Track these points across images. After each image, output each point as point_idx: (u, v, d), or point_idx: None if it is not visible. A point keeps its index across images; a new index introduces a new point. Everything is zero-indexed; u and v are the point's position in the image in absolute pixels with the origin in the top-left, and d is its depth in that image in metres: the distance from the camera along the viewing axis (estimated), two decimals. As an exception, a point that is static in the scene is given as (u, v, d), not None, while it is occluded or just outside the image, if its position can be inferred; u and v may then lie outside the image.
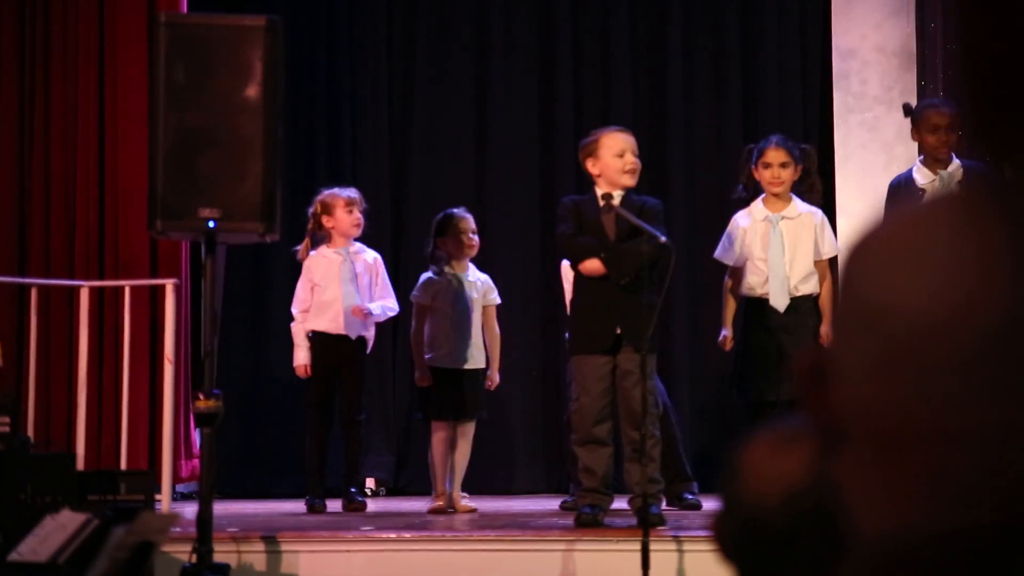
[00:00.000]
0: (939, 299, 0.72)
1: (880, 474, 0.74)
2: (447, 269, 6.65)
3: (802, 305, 5.98)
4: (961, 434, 0.71)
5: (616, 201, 5.57)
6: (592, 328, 5.56)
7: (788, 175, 6.05)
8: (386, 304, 6.89)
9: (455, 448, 6.59)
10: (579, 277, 5.71)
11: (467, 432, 6.60)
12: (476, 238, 6.66)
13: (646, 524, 4.86)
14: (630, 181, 5.61)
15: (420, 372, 6.59)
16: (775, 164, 6.04)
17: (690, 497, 6.37)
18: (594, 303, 5.57)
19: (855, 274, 0.77)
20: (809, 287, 6.02)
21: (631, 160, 5.61)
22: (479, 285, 6.70)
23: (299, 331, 6.77)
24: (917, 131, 5.98)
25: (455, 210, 6.73)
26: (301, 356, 6.73)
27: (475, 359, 6.62)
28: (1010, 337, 0.71)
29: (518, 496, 7.23)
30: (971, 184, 0.76)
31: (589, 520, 5.41)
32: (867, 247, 0.77)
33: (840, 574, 0.78)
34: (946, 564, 0.71)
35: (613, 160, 5.60)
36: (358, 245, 6.90)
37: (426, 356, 6.61)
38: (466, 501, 6.58)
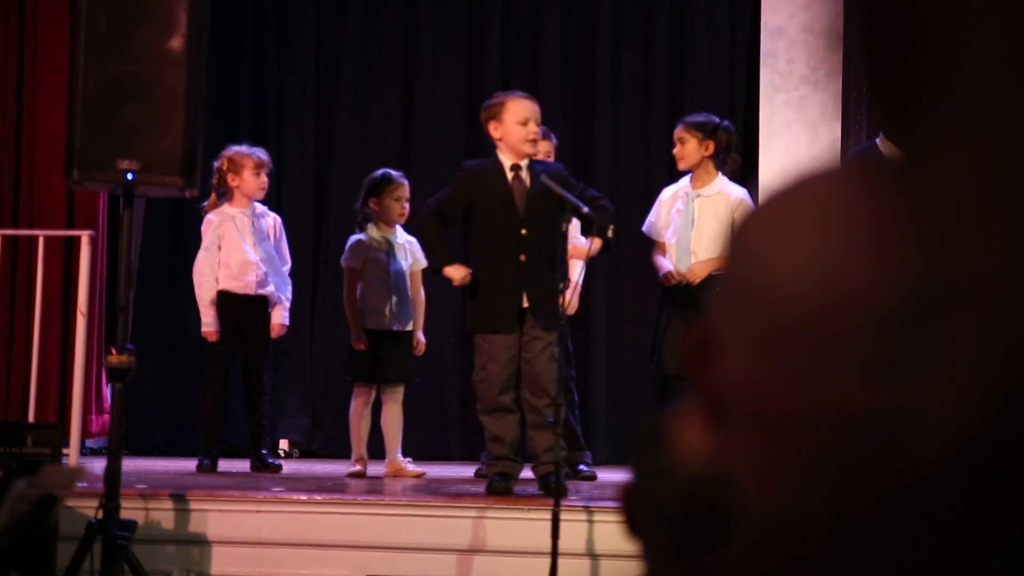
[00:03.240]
0: (816, 282, 0.72)
1: (758, 453, 0.74)
2: (375, 232, 6.59)
3: (715, 281, 6.02)
4: (836, 417, 0.71)
5: (524, 172, 5.52)
6: (498, 308, 5.49)
7: (688, 151, 6.12)
8: (287, 291, 6.82)
9: (382, 412, 6.55)
10: (481, 252, 5.64)
11: (396, 396, 6.55)
12: (408, 207, 6.61)
13: (557, 494, 4.87)
14: (531, 150, 5.54)
15: (356, 335, 6.52)
16: (676, 141, 6.16)
17: (584, 468, 6.40)
18: (499, 282, 5.49)
19: (736, 251, 0.76)
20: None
21: (534, 129, 5.54)
22: (407, 247, 6.66)
23: (207, 294, 6.66)
24: None
25: (393, 173, 6.65)
26: (211, 322, 6.64)
27: (406, 322, 6.58)
28: (887, 320, 0.70)
29: (430, 462, 7.22)
30: (858, 161, 0.76)
31: (501, 488, 5.41)
32: (753, 222, 0.76)
33: (729, 552, 0.77)
34: (822, 547, 0.70)
35: (516, 128, 5.52)
36: (260, 207, 6.84)
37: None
38: (411, 466, 6.56)
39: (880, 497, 0.69)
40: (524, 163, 5.53)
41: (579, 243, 6.10)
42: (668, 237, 6.15)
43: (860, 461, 0.70)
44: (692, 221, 6.11)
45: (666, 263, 6.13)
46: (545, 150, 6.42)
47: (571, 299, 6.40)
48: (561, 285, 5.89)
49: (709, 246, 6.06)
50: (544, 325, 5.37)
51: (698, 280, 6.00)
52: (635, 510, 1.20)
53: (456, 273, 5.57)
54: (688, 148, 6.11)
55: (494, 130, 5.56)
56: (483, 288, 5.54)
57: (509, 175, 5.52)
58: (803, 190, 0.75)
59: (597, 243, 5.61)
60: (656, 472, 1.13)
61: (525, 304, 5.45)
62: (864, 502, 0.69)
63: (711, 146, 6.11)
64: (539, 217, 5.46)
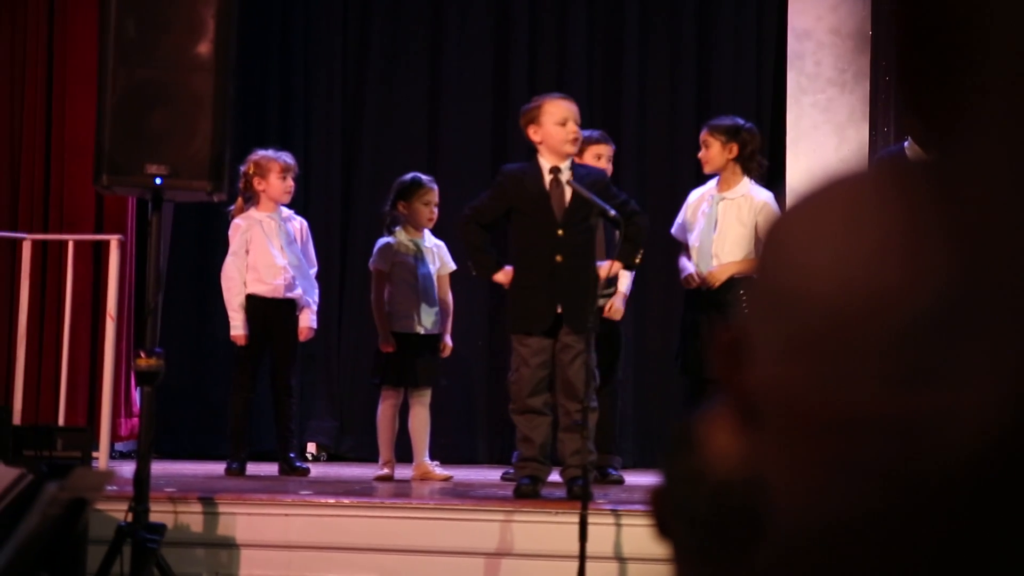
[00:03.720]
0: (847, 285, 0.71)
1: (790, 456, 0.74)
2: (403, 235, 6.60)
3: (738, 284, 6.01)
4: (870, 421, 0.70)
5: (565, 175, 5.51)
6: (533, 310, 5.50)
7: (711, 155, 6.12)
8: (314, 294, 6.84)
9: (410, 416, 6.55)
10: (519, 254, 5.66)
11: (423, 399, 6.56)
12: (437, 211, 6.62)
13: (585, 497, 4.87)
14: (572, 149, 5.54)
15: (384, 338, 6.53)
16: (701, 145, 6.15)
17: (613, 472, 6.40)
18: (535, 284, 5.50)
19: (770, 254, 0.76)
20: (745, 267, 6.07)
21: (573, 129, 5.53)
22: (435, 251, 6.67)
23: (236, 299, 6.69)
24: None
25: (423, 177, 6.66)
26: (239, 325, 6.67)
27: (434, 325, 6.59)
28: (917, 325, 0.70)
29: (457, 465, 7.23)
30: (888, 163, 0.76)
31: (528, 491, 5.41)
32: (786, 224, 0.76)
33: (759, 555, 0.77)
34: (850, 550, 0.70)
35: (555, 128, 5.52)
36: (287, 211, 6.86)
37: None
38: (438, 469, 6.56)
39: (907, 501, 0.69)
40: (565, 165, 5.52)
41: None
42: (691, 240, 6.15)
43: (891, 465, 0.70)
44: (715, 224, 6.10)
45: (689, 266, 6.13)
46: (605, 153, 6.44)
47: (619, 307, 6.45)
48: (612, 290, 5.92)
49: (731, 249, 6.05)
50: (575, 329, 5.37)
51: (718, 283, 5.99)
52: (664, 513, 1.20)
53: (505, 278, 5.60)
54: (712, 151, 6.11)
55: (534, 134, 5.57)
56: (519, 290, 5.56)
57: (547, 178, 5.52)
58: (834, 193, 0.75)
59: (615, 266, 5.63)
60: (686, 475, 1.13)
61: (559, 311, 5.46)
62: (891, 506, 0.69)
63: (735, 148, 6.11)
64: (576, 221, 5.45)
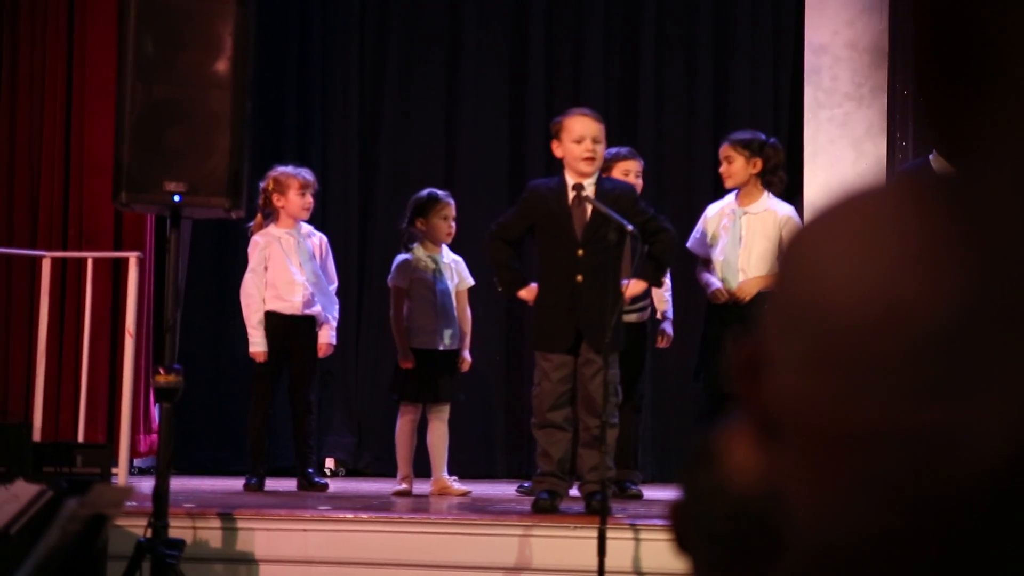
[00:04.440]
0: (872, 297, 0.71)
1: (809, 471, 0.74)
2: (421, 251, 6.61)
3: (762, 298, 6.01)
4: (887, 434, 0.70)
5: (589, 191, 5.50)
6: (554, 328, 5.51)
7: (735, 169, 6.11)
8: (333, 310, 6.85)
9: (428, 431, 6.56)
10: (542, 268, 5.66)
11: (442, 414, 6.56)
12: (455, 225, 6.63)
13: (604, 512, 4.87)
14: (586, 168, 5.50)
15: (403, 354, 6.53)
16: (722, 159, 6.14)
17: (632, 487, 6.40)
18: (556, 302, 5.51)
19: (790, 265, 0.76)
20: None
21: (589, 147, 5.51)
22: (453, 266, 6.68)
23: (255, 315, 6.70)
24: None
25: (439, 192, 6.66)
26: (259, 342, 6.68)
27: (453, 340, 6.59)
28: (936, 338, 0.70)
29: (476, 480, 7.23)
30: (908, 177, 0.76)
31: (546, 506, 5.41)
32: (805, 237, 0.76)
33: (778, 570, 0.77)
34: (871, 566, 0.70)
35: (572, 146, 5.52)
36: (307, 227, 6.87)
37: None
38: (457, 484, 6.56)
39: (928, 515, 0.69)
40: (588, 182, 5.50)
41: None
42: (715, 254, 6.13)
43: (908, 479, 0.70)
44: (740, 239, 6.09)
45: (714, 280, 6.11)
46: (633, 169, 6.44)
47: (669, 332, 6.50)
48: (640, 304, 5.91)
49: (758, 264, 6.04)
50: (595, 348, 5.36)
51: (748, 298, 5.98)
52: (684, 528, 1.20)
53: (529, 295, 5.62)
54: (736, 166, 6.10)
55: (556, 149, 5.59)
56: (542, 307, 5.58)
57: (570, 195, 5.51)
58: (853, 206, 0.75)
59: (637, 286, 5.65)
60: (705, 490, 1.13)
61: (580, 326, 5.46)
62: (912, 520, 0.69)
63: (759, 163, 6.11)
64: (597, 239, 5.43)
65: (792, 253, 0.76)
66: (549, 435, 5.49)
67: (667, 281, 6.47)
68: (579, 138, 5.51)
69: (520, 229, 5.60)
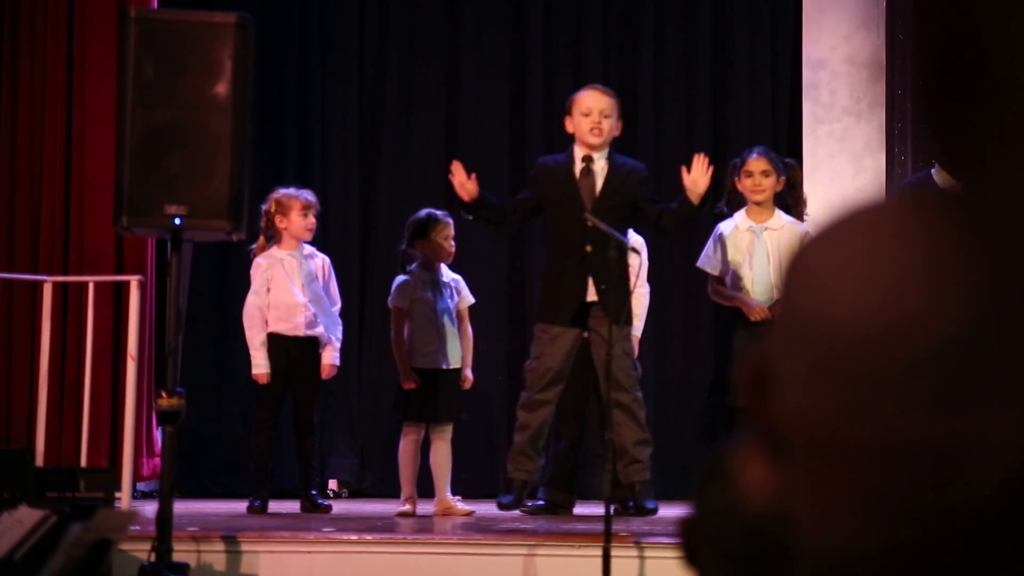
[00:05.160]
0: (875, 311, 0.71)
1: (816, 487, 0.74)
2: (421, 271, 6.61)
3: None
4: (894, 449, 0.70)
5: (598, 164, 5.53)
6: (561, 297, 5.48)
7: (769, 184, 6.09)
8: (336, 331, 6.84)
9: (431, 451, 6.55)
10: (549, 239, 5.68)
11: (444, 434, 6.55)
12: (454, 244, 6.63)
13: (643, 511, 4.85)
14: (592, 140, 5.58)
15: (405, 375, 6.52)
16: (756, 172, 6.09)
17: (650, 505, 6.36)
18: (564, 271, 5.49)
19: (794, 281, 0.76)
20: None
21: (595, 120, 5.57)
22: (453, 285, 6.68)
23: (257, 337, 6.70)
24: None
25: (437, 213, 6.66)
26: (262, 363, 6.67)
27: (454, 359, 6.59)
28: (944, 351, 0.70)
29: (479, 500, 7.21)
30: (913, 191, 0.76)
31: (510, 505, 5.39)
32: (808, 253, 0.76)
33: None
34: None
35: (580, 119, 5.59)
36: (309, 248, 6.88)
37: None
38: (460, 504, 6.55)
39: (940, 528, 0.69)
40: (597, 155, 5.55)
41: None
42: (743, 272, 6.09)
43: (919, 493, 0.70)
44: (767, 256, 6.07)
45: (749, 298, 6.04)
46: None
47: (634, 347, 6.45)
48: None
49: None
50: (613, 319, 5.29)
51: None
52: (694, 544, 1.20)
53: (467, 188, 5.60)
54: (770, 181, 6.08)
55: (568, 125, 5.67)
56: (549, 279, 5.59)
57: (579, 167, 5.55)
58: (858, 221, 0.75)
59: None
60: (718, 507, 1.13)
61: (591, 297, 5.43)
62: (924, 534, 0.69)
63: (783, 182, 6.14)
64: (608, 209, 5.46)
65: (797, 269, 0.76)
66: (534, 412, 5.46)
67: (644, 299, 6.44)
68: (587, 111, 5.59)
69: (529, 202, 5.66)
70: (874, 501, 0.71)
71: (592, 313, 5.41)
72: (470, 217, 5.88)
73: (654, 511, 5.24)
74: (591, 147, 5.53)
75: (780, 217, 6.12)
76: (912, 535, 0.70)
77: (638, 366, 5.49)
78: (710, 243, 6.23)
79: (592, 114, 5.55)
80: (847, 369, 0.72)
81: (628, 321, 5.31)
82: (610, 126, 5.60)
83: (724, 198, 6.26)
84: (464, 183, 5.50)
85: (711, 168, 5.66)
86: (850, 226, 0.75)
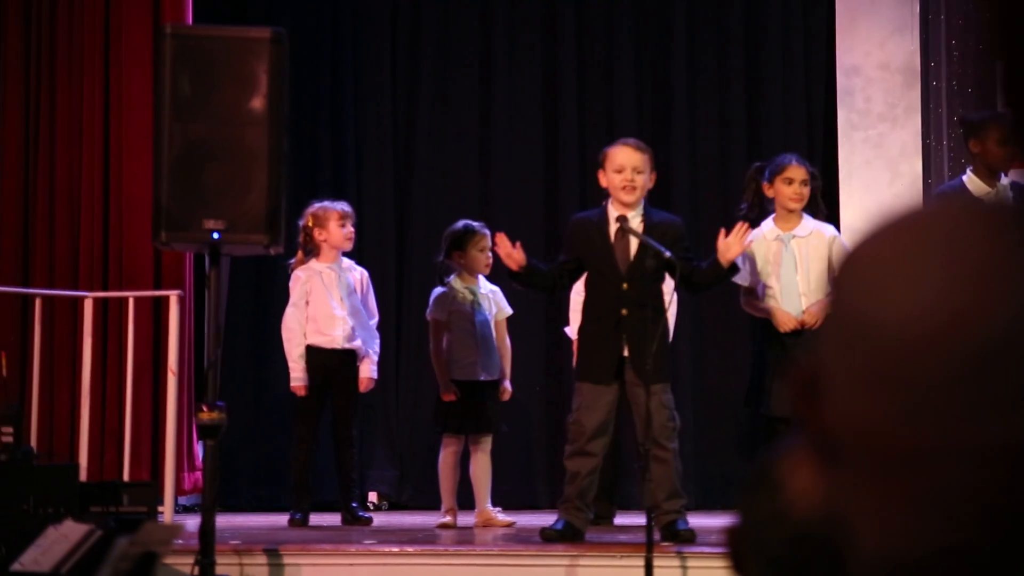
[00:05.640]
0: (929, 312, 0.71)
1: (872, 491, 0.73)
2: (458, 283, 6.62)
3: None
4: (952, 451, 0.70)
5: (635, 223, 5.48)
6: (596, 359, 5.47)
7: (807, 193, 6.05)
8: (374, 344, 6.85)
9: (471, 462, 6.55)
10: (586, 300, 5.64)
11: (484, 445, 6.56)
12: (491, 256, 6.63)
13: (692, 538, 4.86)
14: (625, 198, 5.51)
15: (444, 387, 6.53)
16: (797, 180, 6.02)
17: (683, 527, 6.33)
18: (601, 334, 5.47)
19: (845, 284, 0.76)
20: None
21: (627, 177, 5.52)
22: (491, 297, 6.69)
23: (296, 349, 6.73)
24: (980, 141, 5.94)
25: (474, 224, 6.67)
26: (300, 376, 6.70)
27: (493, 371, 6.59)
28: (1002, 352, 0.70)
29: (519, 511, 7.21)
30: (961, 197, 0.76)
31: (552, 535, 5.36)
32: (859, 256, 0.76)
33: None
34: None
35: (613, 176, 5.53)
36: (348, 261, 6.90)
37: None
38: (501, 515, 6.55)
39: (1000, 531, 0.69)
40: (633, 214, 5.50)
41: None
42: (771, 281, 6.06)
43: (980, 496, 0.69)
44: (795, 264, 6.03)
45: (776, 309, 5.99)
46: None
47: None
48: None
49: (816, 287, 5.99)
50: (645, 380, 5.28)
51: (818, 324, 5.88)
52: (742, 552, 1.20)
53: (513, 256, 5.48)
54: (807, 190, 6.05)
55: (602, 179, 5.59)
56: (586, 339, 5.55)
57: (613, 227, 5.51)
58: (908, 224, 0.75)
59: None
60: (764, 514, 1.13)
61: (625, 354, 5.42)
62: (983, 537, 0.69)
63: (811, 189, 6.12)
64: (643, 273, 5.42)
65: (848, 272, 0.76)
66: (581, 462, 5.45)
67: (672, 308, 6.39)
68: (619, 167, 5.52)
69: (570, 264, 5.60)
70: (934, 505, 0.71)
71: (627, 369, 5.41)
72: (520, 288, 5.87)
73: (688, 534, 5.23)
74: (624, 205, 5.51)
75: (807, 223, 6.08)
76: (971, 538, 0.70)
77: (676, 417, 5.47)
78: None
79: (625, 171, 5.51)
80: (905, 372, 0.71)
81: (665, 378, 5.32)
82: (643, 182, 5.58)
83: (747, 201, 6.16)
84: (511, 253, 5.47)
85: (750, 239, 5.63)
86: (900, 230, 0.75)
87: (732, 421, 7.34)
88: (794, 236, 6.05)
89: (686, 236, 5.64)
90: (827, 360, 0.77)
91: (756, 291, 6.07)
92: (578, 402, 5.50)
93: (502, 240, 5.51)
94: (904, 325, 0.72)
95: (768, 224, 6.12)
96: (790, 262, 6.02)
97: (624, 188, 5.50)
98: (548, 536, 5.38)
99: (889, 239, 0.76)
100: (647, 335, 5.24)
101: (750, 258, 6.10)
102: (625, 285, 5.44)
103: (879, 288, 0.73)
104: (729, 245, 5.42)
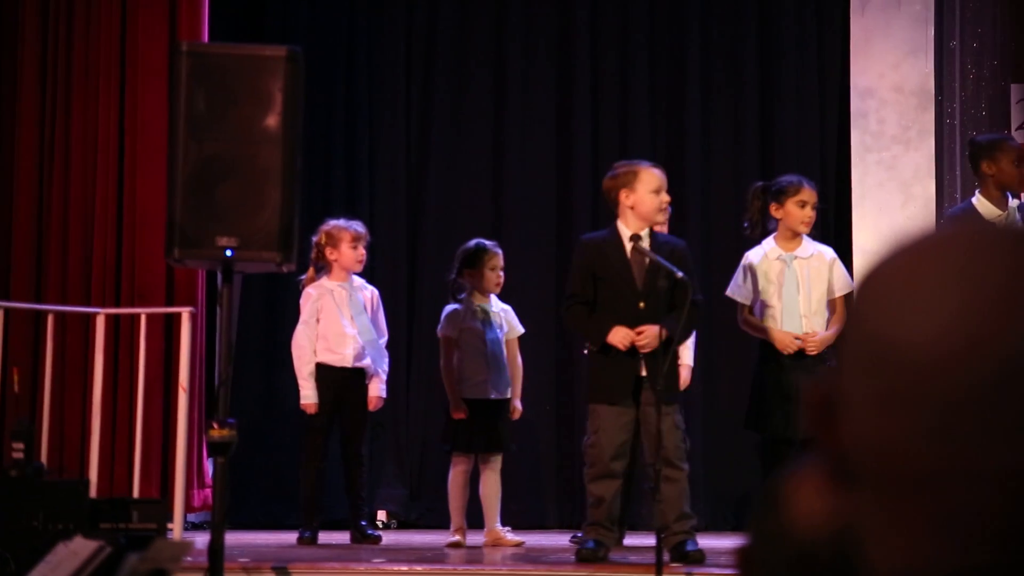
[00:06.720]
0: (946, 333, 0.71)
1: (888, 512, 0.73)
2: (470, 301, 6.62)
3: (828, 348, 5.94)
4: (968, 473, 0.70)
5: (645, 242, 5.48)
6: (615, 379, 5.45)
7: (814, 216, 6.07)
8: (383, 363, 6.85)
9: (481, 482, 6.55)
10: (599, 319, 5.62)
11: (494, 465, 6.55)
12: (503, 275, 6.63)
13: (702, 559, 4.84)
14: (662, 219, 5.58)
15: (455, 405, 6.53)
16: (810, 204, 6.03)
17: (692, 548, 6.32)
18: (617, 353, 5.44)
19: (862, 306, 0.76)
20: (823, 325, 6.00)
21: (666, 199, 5.57)
22: (503, 315, 6.69)
23: (306, 367, 6.73)
24: (995, 162, 5.93)
25: (487, 243, 6.67)
26: (310, 394, 6.70)
27: (504, 390, 6.59)
28: (1019, 374, 0.70)
29: (528, 531, 7.20)
30: (975, 220, 0.76)
31: (589, 556, 5.35)
32: (876, 278, 0.76)
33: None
34: None
35: (649, 196, 5.50)
36: (359, 280, 6.91)
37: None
38: (510, 535, 6.54)
39: (1012, 555, 0.68)
40: (644, 232, 5.50)
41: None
42: (771, 302, 6.05)
43: (998, 518, 0.69)
44: (798, 284, 6.03)
45: (775, 330, 5.98)
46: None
47: (686, 377, 6.33)
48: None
49: (817, 308, 5.99)
50: (661, 399, 5.27)
51: (818, 349, 5.88)
52: (749, 572, 1.19)
53: (616, 337, 5.43)
54: (815, 213, 6.08)
55: (625, 198, 5.52)
56: (601, 359, 5.50)
57: (628, 246, 5.50)
58: (927, 246, 0.75)
59: (662, 333, 5.43)
60: (774, 534, 1.13)
61: (643, 373, 5.40)
62: (1004, 558, 0.69)
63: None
64: (658, 290, 5.42)
65: (866, 293, 0.76)
66: (606, 485, 5.44)
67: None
68: (657, 189, 5.52)
69: (589, 286, 5.56)
70: (949, 526, 0.70)
71: (644, 389, 5.39)
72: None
73: (698, 555, 5.21)
74: (653, 224, 5.53)
75: (808, 245, 6.08)
76: (987, 561, 0.69)
77: (687, 439, 5.46)
78: (739, 272, 6.17)
79: (662, 192, 5.53)
80: (921, 393, 0.71)
81: (677, 398, 5.32)
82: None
83: (749, 220, 6.15)
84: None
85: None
86: (919, 251, 0.75)
87: (742, 442, 7.32)
88: (796, 257, 6.05)
89: (690, 259, 5.64)
90: (843, 381, 0.76)
91: (754, 310, 6.07)
92: (596, 424, 5.47)
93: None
94: (921, 347, 0.72)
95: (769, 243, 6.12)
96: (792, 282, 6.02)
97: (663, 209, 5.56)
98: (584, 556, 5.36)
99: (906, 261, 0.75)
100: (664, 354, 5.24)
101: (751, 276, 6.10)
102: (642, 304, 5.44)
103: (896, 310, 0.73)
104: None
